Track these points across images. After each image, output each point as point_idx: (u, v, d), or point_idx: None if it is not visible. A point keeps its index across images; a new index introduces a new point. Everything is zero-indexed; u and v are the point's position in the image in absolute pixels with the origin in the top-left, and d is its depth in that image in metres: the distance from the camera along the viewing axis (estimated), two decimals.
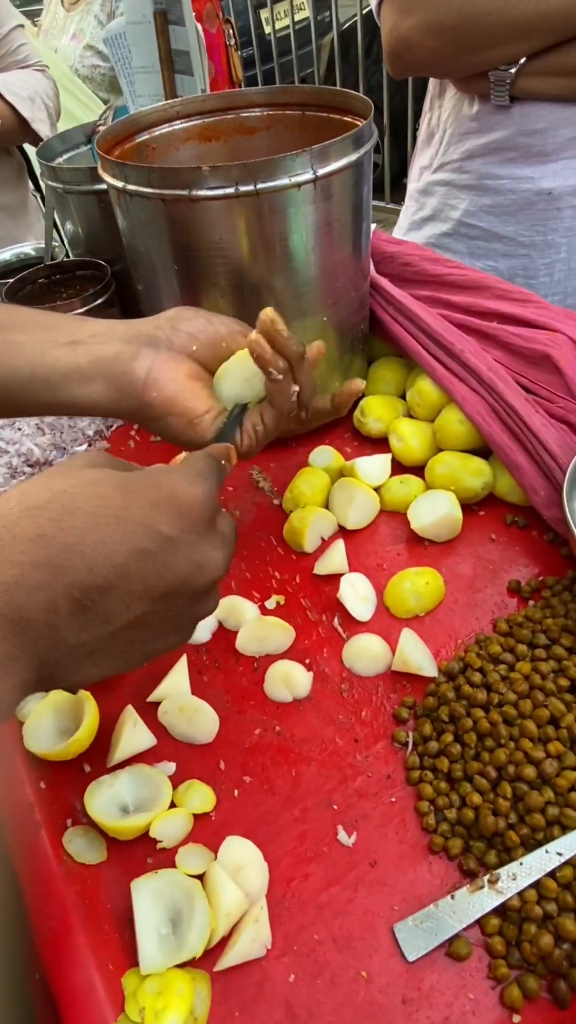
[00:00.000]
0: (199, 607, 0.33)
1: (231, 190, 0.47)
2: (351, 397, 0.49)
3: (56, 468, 0.31)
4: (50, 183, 0.68)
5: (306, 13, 2.90)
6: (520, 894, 0.35)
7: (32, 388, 0.41)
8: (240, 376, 0.44)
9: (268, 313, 0.41)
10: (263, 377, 0.43)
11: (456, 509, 0.53)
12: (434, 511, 0.53)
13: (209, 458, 0.36)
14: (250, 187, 0.47)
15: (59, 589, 0.26)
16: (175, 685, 0.46)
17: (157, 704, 0.45)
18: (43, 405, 0.43)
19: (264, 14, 2.93)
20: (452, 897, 0.36)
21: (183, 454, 0.38)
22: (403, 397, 0.66)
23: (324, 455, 0.61)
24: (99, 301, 0.67)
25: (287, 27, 2.91)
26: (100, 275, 0.71)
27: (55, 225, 0.75)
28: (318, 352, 0.44)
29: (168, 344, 0.43)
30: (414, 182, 0.92)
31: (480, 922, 0.35)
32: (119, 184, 0.50)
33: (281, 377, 0.43)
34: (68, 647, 0.28)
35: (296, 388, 0.44)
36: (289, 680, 0.46)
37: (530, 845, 0.37)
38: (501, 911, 0.35)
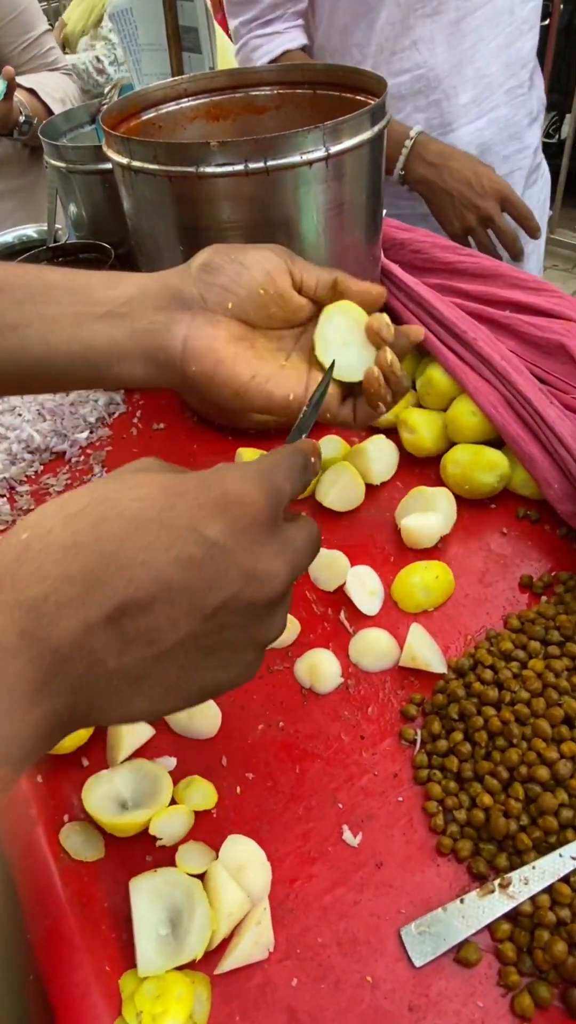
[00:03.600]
0: (260, 629, 0.27)
1: (240, 167, 0.45)
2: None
3: (103, 478, 0.27)
4: (53, 162, 0.66)
5: None
6: (532, 899, 0.34)
7: (74, 367, 0.39)
8: (339, 338, 0.39)
9: (386, 354, 0.38)
10: (366, 350, 0.39)
11: (444, 519, 0.52)
12: (428, 524, 0.52)
13: (289, 454, 0.31)
14: (260, 164, 0.45)
15: (94, 605, 0.23)
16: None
17: None
18: (86, 382, 0.40)
19: None
20: (461, 901, 0.34)
21: (241, 450, 0.34)
22: (412, 387, 0.64)
23: (331, 445, 0.60)
24: None
25: None
26: (104, 258, 0.69)
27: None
28: (416, 338, 0.40)
29: (201, 303, 0.38)
30: None
31: (490, 927, 0.34)
32: (124, 161, 0.49)
33: (386, 411, 0.39)
34: (107, 673, 0.24)
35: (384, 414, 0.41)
36: (315, 672, 0.44)
37: (543, 849, 0.35)
38: (512, 916, 0.34)
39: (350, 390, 0.41)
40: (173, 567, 0.24)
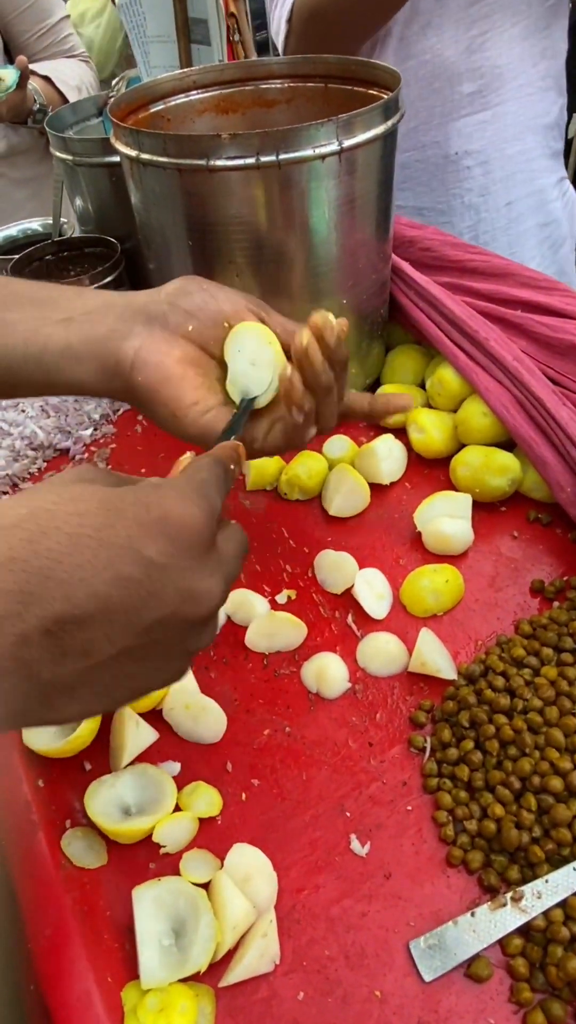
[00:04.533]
0: (192, 640, 0.28)
1: (252, 160, 0.44)
2: (394, 411, 0.44)
3: (41, 484, 0.28)
4: (59, 155, 0.65)
5: None
6: (545, 913, 0.33)
7: (27, 368, 0.38)
8: (246, 358, 0.38)
9: (320, 326, 0.36)
10: (276, 366, 0.38)
11: (461, 526, 0.50)
12: (446, 527, 0.51)
13: (213, 466, 0.31)
14: (271, 157, 0.44)
15: (32, 620, 0.23)
16: (180, 682, 0.44)
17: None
18: (38, 386, 0.40)
19: None
20: (472, 914, 0.34)
21: (188, 455, 0.33)
22: (422, 386, 0.63)
23: (339, 445, 0.59)
24: (108, 279, 0.64)
25: None
26: (110, 252, 0.68)
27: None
28: (341, 331, 0.38)
29: (163, 322, 0.39)
30: None
31: (502, 942, 0.33)
32: (132, 153, 0.48)
33: (301, 420, 0.38)
34: (42, 684, 0.24)
35: (313, 432, 0.40)
36: (322, 676, 0.43)
37: (555, 861, 0.35)
38: (524, 931, 0.33)
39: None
40: (111, 586, 0.24)
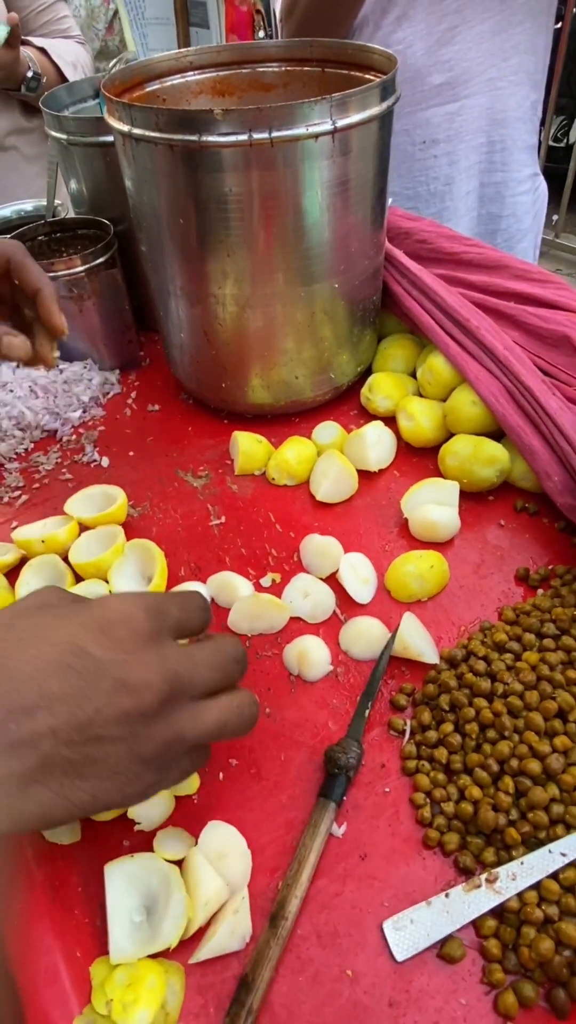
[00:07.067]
0: (140, 741, 0.28)
1: (244, 137, 0.44)
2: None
3: (6, 610, 0.31)
4: (54, 133, 0.65)
5: None
6: (519, 895, 0.33)
7: None
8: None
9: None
10: None
11: (448, 512, 0.50)
12: (431, 513, 0.50)
13: (182, 592, 0.34)
14: (264, 135, 0.44)
15: None
16: None
17: None
18: None
19: None
20: (446, 895, 0.33)
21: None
22: (413, 375, 0.63)
23: (328, 431, 0.59)
24: (100, 260, 0.64)
25: None
26: (103, 234, 0.68)
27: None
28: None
29: None
30: None
31: (475, 923, 0.33)
32: (125, 128, 0.47)
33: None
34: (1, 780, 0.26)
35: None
36: (304, 659, 0.43)
37: (531, 844, 0.34)
38: (498, 912, 0.33)
39: None
40: (52, 676, 0.27)
